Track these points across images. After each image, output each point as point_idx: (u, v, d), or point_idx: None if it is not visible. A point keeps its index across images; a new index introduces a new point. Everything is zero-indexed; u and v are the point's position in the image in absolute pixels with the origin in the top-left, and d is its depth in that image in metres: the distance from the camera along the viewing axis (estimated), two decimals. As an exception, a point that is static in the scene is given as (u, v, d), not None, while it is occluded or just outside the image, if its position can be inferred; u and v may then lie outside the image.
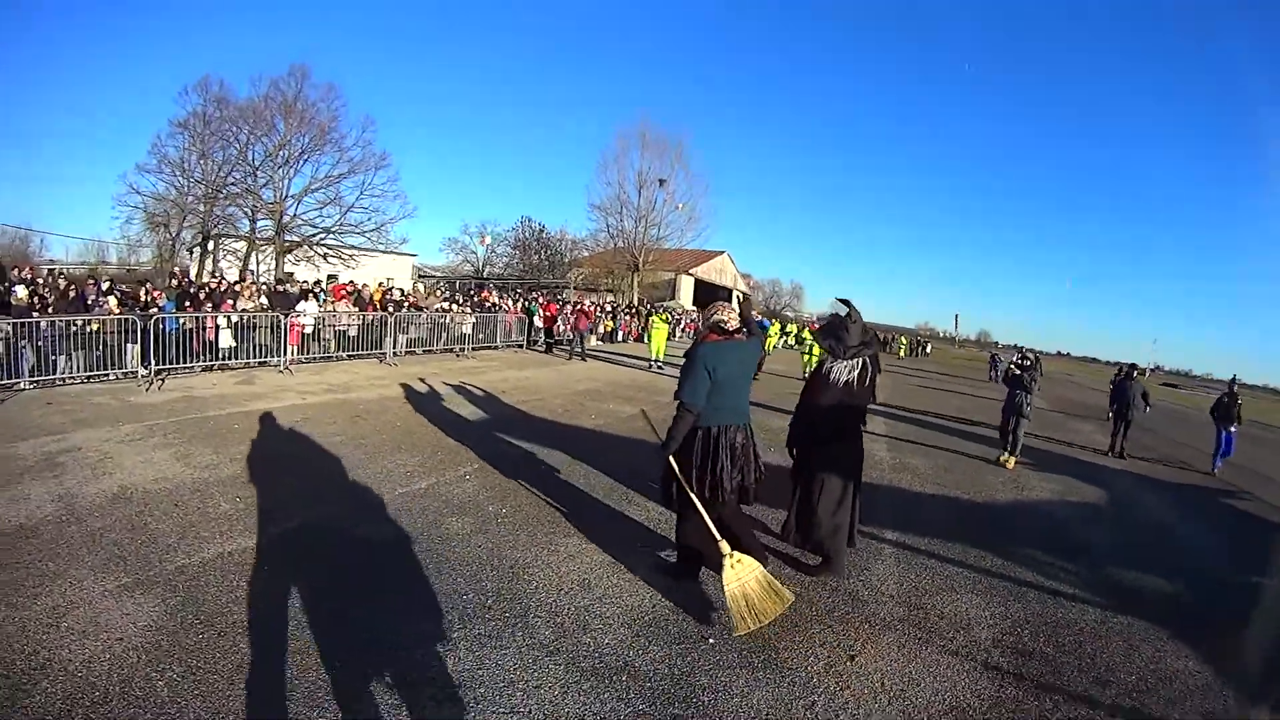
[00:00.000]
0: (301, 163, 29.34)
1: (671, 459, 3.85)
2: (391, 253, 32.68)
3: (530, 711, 2.87)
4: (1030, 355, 10.38)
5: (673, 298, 45.73)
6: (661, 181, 38.61)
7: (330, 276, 26.42)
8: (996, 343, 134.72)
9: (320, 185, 29.65)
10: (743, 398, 3.94)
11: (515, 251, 48.69)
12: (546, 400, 10.90)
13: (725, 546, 3.67)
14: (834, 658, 3.58)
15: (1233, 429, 11.51)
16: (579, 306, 20.84)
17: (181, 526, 4.56)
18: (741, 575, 3.59)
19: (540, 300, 22.88)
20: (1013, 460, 9.53)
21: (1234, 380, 12.27)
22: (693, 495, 3.79)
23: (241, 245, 30.03)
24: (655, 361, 17.77)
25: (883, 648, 3.75)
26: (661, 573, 4.36)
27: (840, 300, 5.03)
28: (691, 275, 49.17)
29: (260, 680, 2.89)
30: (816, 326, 13.47)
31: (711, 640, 3.63)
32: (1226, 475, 11.24)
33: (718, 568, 3.70)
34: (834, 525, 4.58)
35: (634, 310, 30.36)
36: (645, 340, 20.20)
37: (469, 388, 11.35)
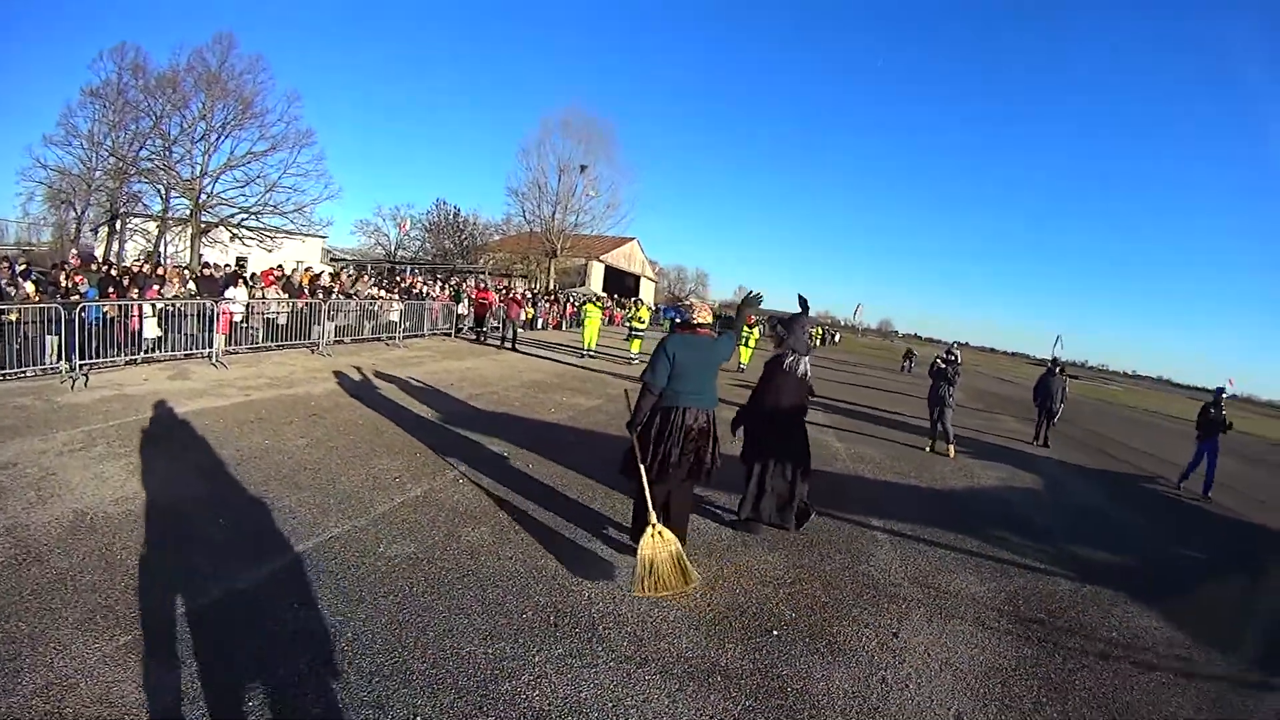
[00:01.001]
0: (222, 138, 26.97)
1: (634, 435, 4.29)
2: (300, 235, 30.93)
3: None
4: (955, 352, 11.19)
5: (583, 284, 45.74)
6: (583, 167, 38.46)
7: (240, 260, 24.84)
8: (897, 332, 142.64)
9: (240, 162, 27.35)
10: (705, 385, 4.37)
11: (428, 235, 47.27)
12: (500, 394, 10.73)
13: (654, 517, 4.04)
14: (882, 637, 3.95)
15: (1213, 443, 10.55)
16: (511, 295, 20.48)
17: (170, 560, 3.92)
18: (657, 546, 3.93)
19: (472, 288, 22.35)
20: (952, 449, 10.26)
21: (1221, 391, 11.24)
22: (640, 466, 4.18)
23: (152, 225, 27.64)
24: (588, 350, 17.80)
25: (916, 624, 4.20)
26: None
27: (800, 297, 5.64)
28: (603, 261, 49.29)
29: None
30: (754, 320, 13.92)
31: (775, 633, 3.84)
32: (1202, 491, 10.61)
33: (638, 534, 4.08)
34: (789, 500, 5.22)
35: (552, 297, 30.15)
36: (580, 327, 20.04)
37: (415, 381, 10.97)
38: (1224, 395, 11.08)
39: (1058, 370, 13.82)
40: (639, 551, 3.95)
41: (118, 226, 27.03)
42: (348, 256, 41.09)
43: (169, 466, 5.57)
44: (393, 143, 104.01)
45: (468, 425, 8.12)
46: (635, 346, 17.71)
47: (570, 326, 28.32)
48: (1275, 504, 11.24)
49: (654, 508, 4.14)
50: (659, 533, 3.99)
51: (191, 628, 3.20)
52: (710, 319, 4.64)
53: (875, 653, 3.76)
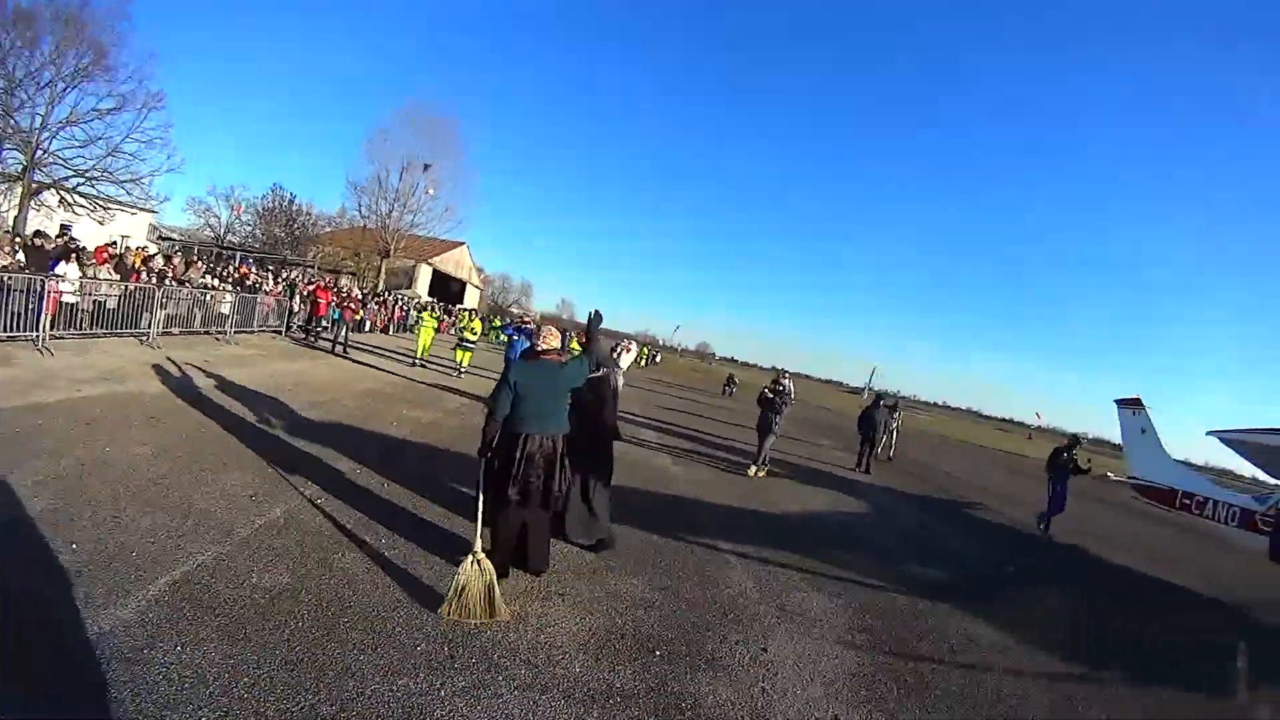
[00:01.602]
0: (69, 88, 23.55)
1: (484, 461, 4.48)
2: (135, 208, 27.83)
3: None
4: (784, 382, 12.08)
5: (410, 286, 44.66)
6: (426, 166, 37.47)
7: (64, 228, 21.99)
8: (715, 354, 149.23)
9: (83, 119, 23.98)
10: (552, 410, 4.56)
11: (259, 220, 43.98)
12: (338, 402, 10.45)
13: (478, 545, 4.20)
14: (753, 653, 4.37)
15: (1063, 484, 11.23)
16: (348, 295, 19.61)
17: (16, 594, 3.47)
18: (471, 574, 4.08)
19: (306, 283, 21.15)
20: (763, 471, 11.13)
21: (1076, 438, 11.81)
22: (480, 492, 4.39)
23: None
24: (419, 359, 17.64)
25: (780, 640, 4.65)
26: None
27: (593, 313, 5.62)
28: (431, 265, 48.26)
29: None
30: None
31: (658, 653, 4.12)
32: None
33: (491, 556, 4.25)
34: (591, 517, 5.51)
35: (381, 299, 29.20)
36: (412, 334, 20.02)
37: (250, 384, 10.33)
38: (1079, 443, 11.68)
39: (880, 404, 15.54)
40: (456, 574, 4.08)
41: None
42: (175, 236, 37.46)
43: (2, 478, 4.94)
44: (230, 117, 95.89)
45: (312, 437, 7.81)
46: (464, 358, 17.10)
47: (399, 331, 27.57)
48: (1077, 525, 13.00)
49: (509, 534, 4.50)
50: (478, 560, 4.11)
51: (61, 676, 2.91)
52: (557, 343, 4.81)
53: (750, 667, 4.15)
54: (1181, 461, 12.54)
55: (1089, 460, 11.59)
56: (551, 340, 4.78)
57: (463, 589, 4.03)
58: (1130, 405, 12.87)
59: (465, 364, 17.02)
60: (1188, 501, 10.95)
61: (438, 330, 18.93)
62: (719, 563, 6.12)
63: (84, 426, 6.60)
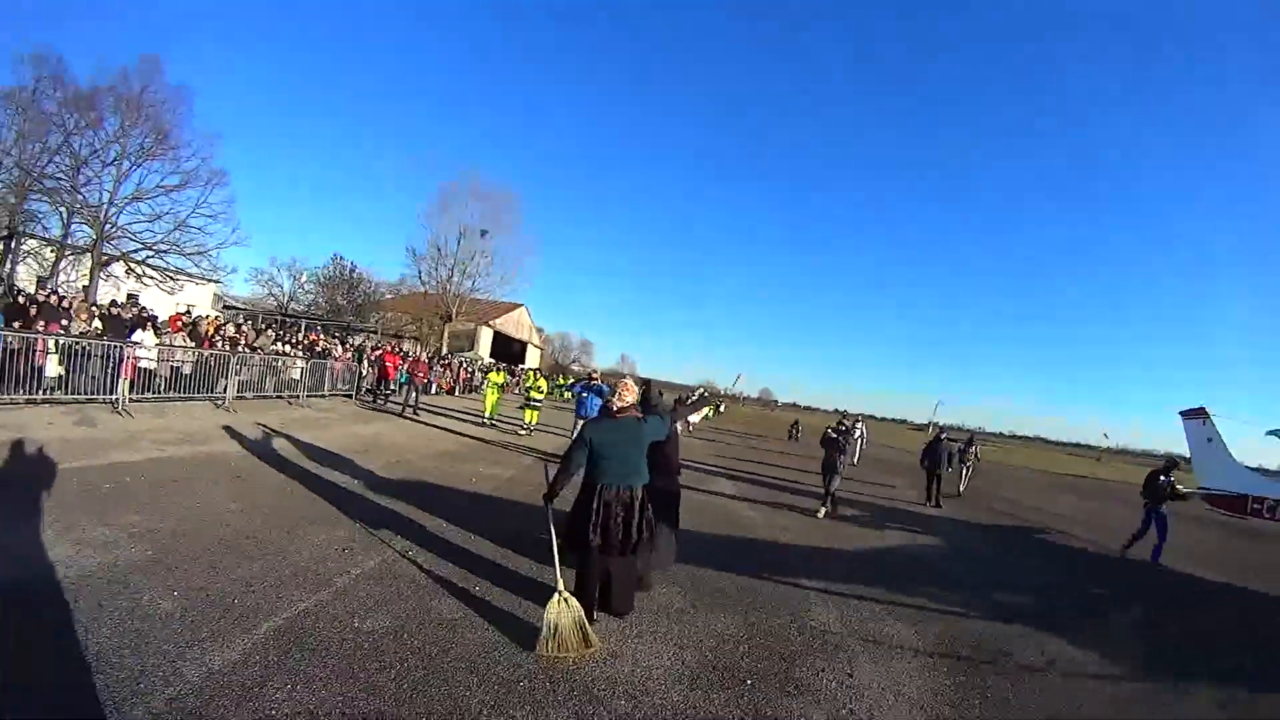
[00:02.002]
0: (134, 166, 25.07)
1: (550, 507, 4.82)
2: (202, 279, 29.27)
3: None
4: (846, 422, 11.91)
5: (472, 348, 45.48)
6: (484, 232, 38.60)
7: (131, 297, 23.28)
8: (777, 401, 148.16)
9: (149, 195, 25.48)
10: (629, 464, 4.70)
11: (320, 289, 45.68)
12: (415, 462, 10.71)
13: (560, 584, 4.40)
14: (839, 679, 4.45)
15: (1164, 509, 10.35)
16: (416, 359, 20.19)
17: (129, 635, 3.67)
18: (561, 611, 4.25)
19: (376, 349, 21.82)
20: (825, 511, 10.91)
21: (1170, 460, 10.86)
22: (553, 536, 4.73)
23: (48, 251, 25.10)
24: (488, 418, 17.86)
25: (864, 666, 4.72)
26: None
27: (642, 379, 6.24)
28: (492, 326, 49.19)
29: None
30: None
31: (749, 682, 4.20)
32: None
33: (580, 598, 4.48)
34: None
35: (446, 362, 29.82)
36: (479, 394, 20.08)
37: (327, 446, 10.68)
38: (1177, 465, 10.74)
39: (943, 437, 15.19)
40: (544, 614, 4.25)
41: (12, 246, 24.36)
42: (239, 305, 39.15)
43: (98, 529, 5.22)
44: (292, 191, 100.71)
45: (394, 495, 8.03)
46: (531, 417, 17.11)
47: (464, 392, 28.08)
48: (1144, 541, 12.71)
49: (593, 579, 4.70)
50: (564, 599, 4.31)
51: (177, 710, 3.06)
52: (633, 399, 4.97)
53: (837, 692, 4.24)
54: (1253, 468, 12.15)
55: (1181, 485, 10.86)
56: (628, 396, 4.95)
57: (555, 627, 4.19)
58: (1196, 415, 12.56)
59: (534, 422, 17.11)
60: (1258, 506, 10.78)
61: (503, 390, 19.19)
62: (800, 598, 6.15)
63: (172, 484, 6.93)
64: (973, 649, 5.36)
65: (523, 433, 16.51)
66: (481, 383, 25.47)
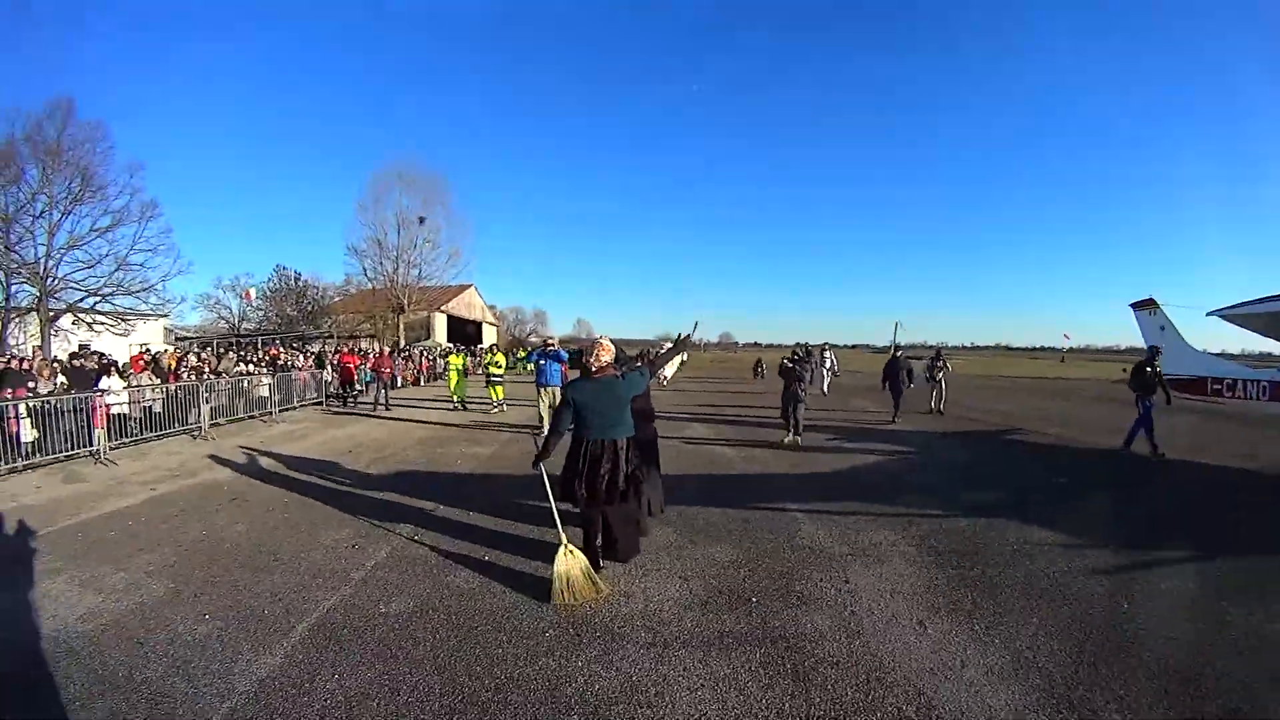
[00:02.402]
0: (64, 215, 24.18)
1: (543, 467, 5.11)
2: (154, 315, 28.46)
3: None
4: (800, 350, 12.70)
5: (428, 336, 45.10)
6: (421, 219, 38.05)
7: (82, 347, 22.72)
8: (738, 343, 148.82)
9: (83, 241, 24.58)
10: (614, 419, 5.01)
11: (268, 304, 44.83)
12: (399, 454, 10.87)
13: (563, 537, 4.79)
14: (836, 586, 4.97)
15: (1150, 401, 10.59)
16: (380, 355, 20.13)
17: (176, 663, 3.84)
18: (568, 563, 4.66)
19: (335, 353, 21.68)
20: (799, 439, 11.45)
21: (1153, 349, 11.15)
22: (548, 491, 5.07)
23: None
24: (457, 401, 17.90)
25: (858, 571, 5.25)
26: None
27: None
28: (444, 312, 48.74)
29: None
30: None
31: (754, 600, 4.67)
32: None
33: (586, 550, 4.94)
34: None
35: (406, 354, 29.68)
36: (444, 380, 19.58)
37: (311, 454, 10.79)
38: (1158, 351, 11.01)
39: (899, 355, 16.01)
40: (553, 568, 4.63)
41: None
42: (190, 334, 38.35)
43: (117, 575, 5.32)
44: (222, 211, 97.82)
45: (388, 488, 8.25)
46: (497, 393, 17.15)
47: (428, 381, 28.05)
48: (1098, 428, 13.59)
49: (593, 530, 5.08)
50: (569, 551, 4.70)
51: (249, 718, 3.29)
52: (609, 358, 5.25)
53: (837, 598, 4.69)
54: (1206, 352, 12.73)
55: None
56: (605, 356, 5.22)
57: (566, 578, 4.57)
58: (1146, 306, 13.13)
59: (501, 397, 17.21)
60: (1218, 386, 11.29)
61: (465, 372, 19.14)
62: (788, 521, 6.60)
63: (174, 519, 7.00)
64: (957, 545, 5.85)
65: (494, 410, 16.67)
66: (444, 369, 25.37)
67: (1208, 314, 11.01)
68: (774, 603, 4.58)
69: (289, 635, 4.17)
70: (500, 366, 18.02)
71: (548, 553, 5.03)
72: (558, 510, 5.00)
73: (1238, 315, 8.82)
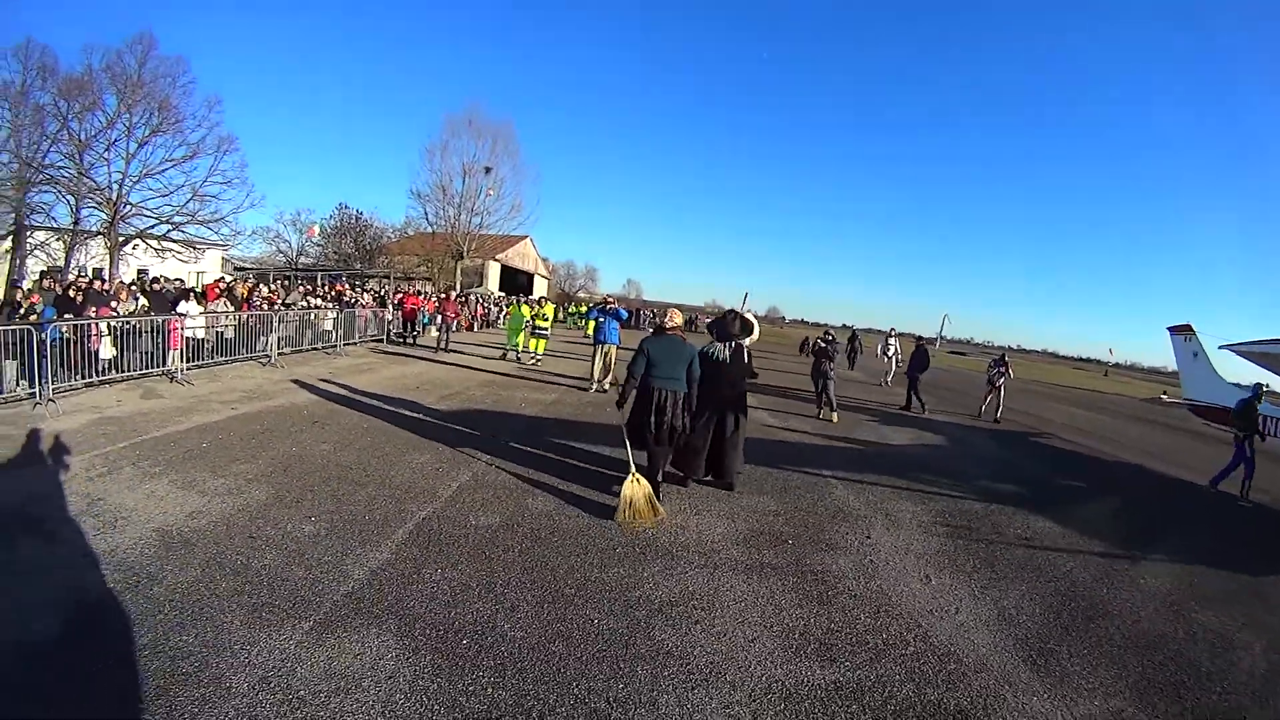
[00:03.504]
0: (141, 144, 24.86)
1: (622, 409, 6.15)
2: (221, 245, 29.52)
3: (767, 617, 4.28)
4: (831, 334, 13.51)
5: (481, 284, 45.70)
6: (488, 169, 38.32)
7: (141, 272, 23.73)
8: (784, 318, 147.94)
9: (158, 169, 25.35)
10: (675, 373, 5.92)
11: (327, 240, 45.74)
12: (465, 394, 11.60)
13: (633, 467, 5.67)
14: (859, 539, 5.82)
15: (1251, 443, 9.22)
16: (447, 298, 20.87)
17: (290, 554, 4.38)
18: (635, 488, 5.53)
19: (398, 294, 22.40)
20: (835, 415, 12.19)
21: (1260, 386, 9.96)
22: (624, 429, 6.03)
23: (57, 241, 24.96)
24: (520, 352, 17.47)
25: (879, 531, 6.07)
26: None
27: (740, 308, 7.27)
28: (499, 261, 49.24)
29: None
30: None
31: (789, 542, 5.49)
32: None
33: (650, 479, 5.77)
34: (731, 459, 6.60)
35: (463, 299, 30.32)
36: (507, 329, 19.25)
37: (380, 388, 11.50)
38: (1264, 389, 10.02)
39: (922, 343, 16.27)
40: (622, 491, 5.54)
41: (20, 240, 24.14)
42: (248, 265, 39.47)
43: (217, 480, 5.73)
44: (287, 146, 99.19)
45: (460, 423, 9.01)
46: (538, 346, 17.18)
47: (481, 328, 28.78)
48: (1139, 445, 14.02)
49: (657, 463, 5.94)
50: (636, 479, 5.56)
51: (368, 596, 3.93)
52: (680, 322, 6.44)
53: (859, 548, 5.55)
54: (1235, 384, 12.73)
55: None
56: (677, 318, 6.43)
57: (630, 500, 5.47)
58: (1182, 331, 13.32)
59: (540, 351, 17.23)
60: None
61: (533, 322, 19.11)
62: (823, 484, 7.46)
63: (260, 435, 7.45)
64: (968, 522, 6.58)
65: (533, 362, 16.68)
66: (499, 317, 25.81)
67: (1220, 347, 11.14)
68: (806, 545, 5.43)
69: (392, 537, 4.87)
70: (547, 320, 18.02)
71: (611, 487, 5.94)
72: (630, 444, 5.92)
73: (1248, 353, 9.00)
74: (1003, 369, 15.16)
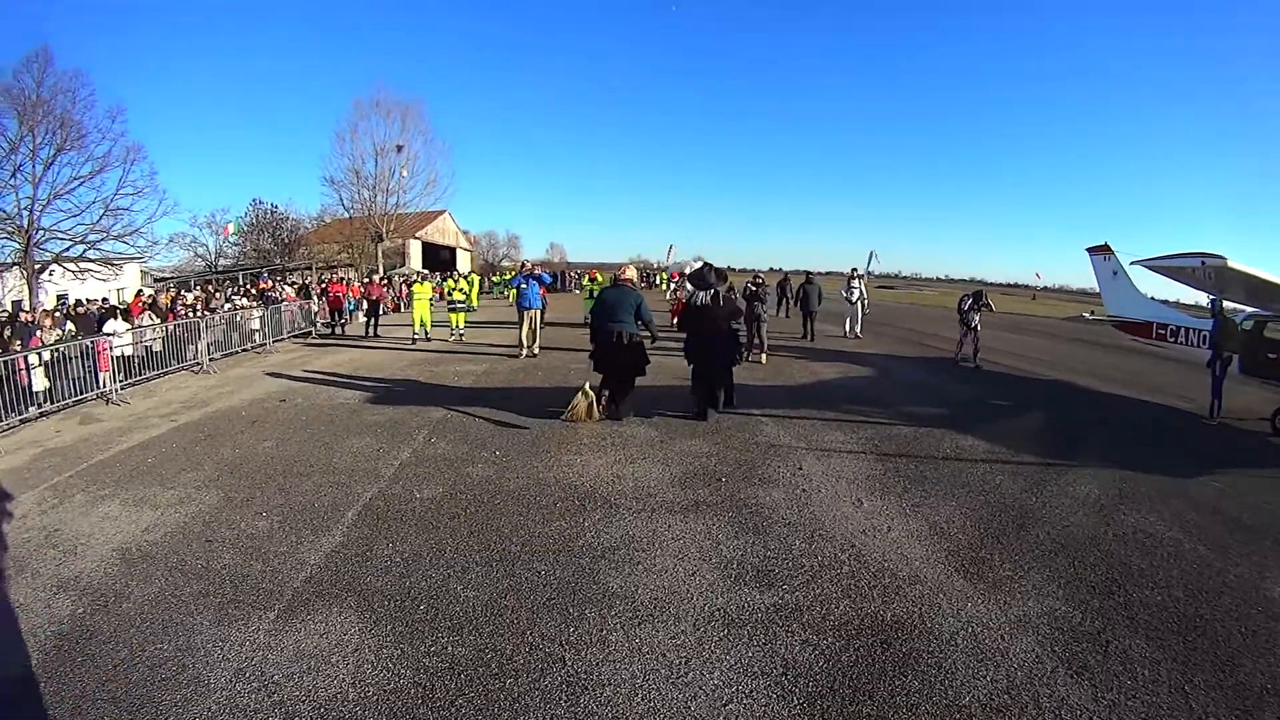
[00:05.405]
0: (48, 166, 23.63)
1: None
2: (137, 259, 28.10)
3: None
4: (760, 277, 13.76)
5: (404, 264, 44.96)
6: (399, 147, 37.57)
7: (60, 297, 22.77)
8: (709, 265, 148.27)
9: (66, 190, 24.12)
10: (623, 316, 7.56)
11: (244, 238, 44.32)
12: (398, 373, 11.68)
13: (586, 384, 7.74)
14: (791, 471, 6.20)
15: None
16: (372, 284, 20.54)
17: (247, 551, 4.50)
18: (581, 398, 7.56)
19: (322, 284, 21.96)
20: (764, 357, 12.50)
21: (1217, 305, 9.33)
22: (591, 360, 7.80)
23: None
24: (417, 333, 16.52)
25: (810, 462, 6.48)
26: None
27: (700, 259, 8.53)
28: (419, 239, 48.44)
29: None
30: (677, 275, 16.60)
31: (722, 479, 5.85)
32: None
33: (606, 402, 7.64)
34: (717, 387, 7.94)
35: (385, 282, 29.89)
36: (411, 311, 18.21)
37: (314, 379, 11.48)
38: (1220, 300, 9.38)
39: (854, 272, 17.54)
40: (576, 397, 7.51)
41: None
42: (167, 274, 38.03)
43: (165, 492, 5.76)
44: (192, 149, 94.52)
45: (395, 401, 9.13)
46: (457, 320, 16.76)
47: (408, 308, 28.34)
48: (1059, 360, 14.88)
49: (606, 383, 7.69)
50: (584, 391, 7.56)
51: (326, 579, 4.14)
52: (634, 275, 8.34)
53: (790, 479, 5.91)
54: (1153, 298, 13.30)
55: None
56: (630, 273, 8.35)
57: (576, 405, 7.47)
58: (1101, 251, 13.78)
59: (460, 325, 16.84)
60: (1163, 331, 11.97)
61: (441, 297, 18.60)
62: (753, 423, 7.80)
63: (203, 443, 7.42)
64: (897, 447, 6.96)
65: (451, 338, 16.41)
66: (408, 298, 25.28)
67: (1132, 263, 11.61)
68: (739, 482, 5.73)
69: (341, 520, 5.03)
70: (463, 293, 17.76)
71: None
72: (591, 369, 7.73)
73: (1160, 266, 9.42)
74: (981, 304, 13.27)
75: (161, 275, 36.84)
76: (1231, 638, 3.57)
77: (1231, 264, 7.49)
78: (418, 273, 35.19)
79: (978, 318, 13.20)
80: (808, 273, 17.65)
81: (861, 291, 17.76)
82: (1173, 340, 11.69)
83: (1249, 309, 9.73)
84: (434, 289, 21.34)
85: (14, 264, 23.71)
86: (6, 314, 13.23)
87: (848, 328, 17.61)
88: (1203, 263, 7.76)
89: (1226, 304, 9.26)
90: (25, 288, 23.56)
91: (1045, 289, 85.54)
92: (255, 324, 16.24)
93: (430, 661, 3.25)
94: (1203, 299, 10.97)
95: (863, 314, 17.76)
